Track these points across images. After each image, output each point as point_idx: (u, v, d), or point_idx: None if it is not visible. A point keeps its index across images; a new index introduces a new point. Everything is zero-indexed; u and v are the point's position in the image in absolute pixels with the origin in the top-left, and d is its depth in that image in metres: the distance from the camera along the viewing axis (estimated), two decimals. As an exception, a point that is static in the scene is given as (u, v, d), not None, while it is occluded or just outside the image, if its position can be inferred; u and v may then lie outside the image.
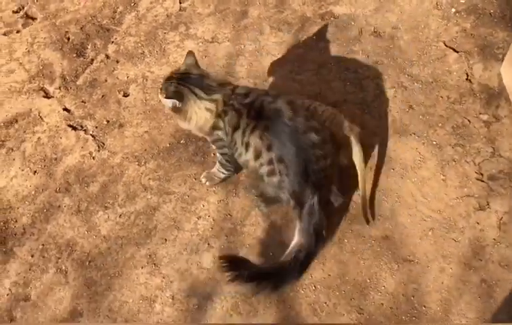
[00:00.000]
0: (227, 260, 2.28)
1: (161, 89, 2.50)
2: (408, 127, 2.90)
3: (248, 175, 2.75)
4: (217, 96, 2.47)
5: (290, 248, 2.36)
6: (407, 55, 3.23)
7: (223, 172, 2.73)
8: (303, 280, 2.45)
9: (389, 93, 3.05)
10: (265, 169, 2.40)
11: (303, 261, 2.31)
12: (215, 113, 2.47)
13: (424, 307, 2.36)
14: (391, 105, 3.00)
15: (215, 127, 2.50)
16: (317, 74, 3.19)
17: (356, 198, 2.68)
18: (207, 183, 2.80)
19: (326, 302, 2.39)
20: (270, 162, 2.36)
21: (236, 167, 2.69)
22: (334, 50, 3.30)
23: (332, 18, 3.51)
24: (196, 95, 2.45)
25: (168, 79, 2.51)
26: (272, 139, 2.34)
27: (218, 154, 2.67)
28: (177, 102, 2.42)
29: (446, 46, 3.24)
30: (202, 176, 2.81)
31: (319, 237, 2.35)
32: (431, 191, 2.68)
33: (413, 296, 2.38)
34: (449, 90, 3.03)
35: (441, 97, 3.01)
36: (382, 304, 2.38)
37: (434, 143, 2.83)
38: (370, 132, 2.88)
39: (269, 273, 2.32)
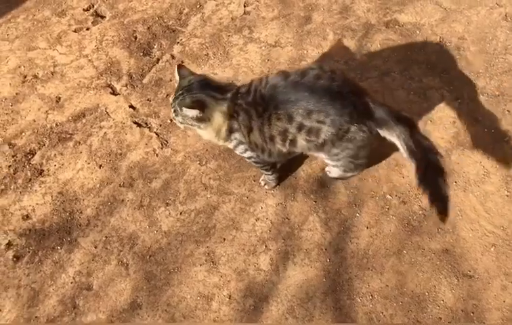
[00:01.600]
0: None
1: (174, 110, 2.45)
2: (472, 140, 2.85)
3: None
4: (229, 95, 2.44)
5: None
6: (473, 67, 3.17)
7: (267, 173, 2.75)
8: (359, 289, 2.44)
9: (454, 104, 3.00)
10: (302, 138, 2.36)
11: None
12: (227, 115, 2.43)
13: (484, 324, 2.31)
14: (455, 116, 2.95)
15: (230, 130, 2.47)
16: (380, 81, 3.17)
17: (416, 208, 2.65)
18: (266, 187, 2.83)
19: (382, 313, 2.38)
20: (300, 127, 2.33)
21: (273, 160, 2.64)
22: (398, 58, 3.28)
23: (396, 26, 3.48)
24: (213, 97, 2.41)
25: (177, 97, 2.44)
26: (286, 107, 2.31)
27: (250, 160, 2.66)
28: (198, 111, 2.36)
29: (515, 59, 3.17)
30: (261, 179, 2.85)
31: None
32: (494, 207, 2.62)
33: (473, 313, 2.34)
34: (516, 104, 2.96)
35: (508, 111, 2.94)
36: (440, 318, 2.34)
37: (499, 157, 2.76)
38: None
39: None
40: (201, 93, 2.40)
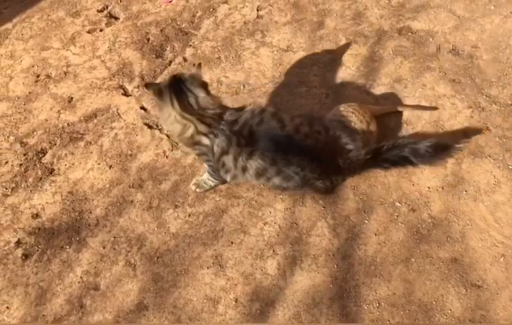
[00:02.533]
0: None
1: None
2: (483, 149, 2.83)
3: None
4: (192, 117, 2.55)
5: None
6: (486, 76, 3.15)
7: (212, 181, 2.82)
8: (366, 296, 2.43)
9: (466, 112, 2.98)
10: (276, 180, 2.61)
11: None
12: (195, 130, 2.56)
13: (492, 335, 2.29)
14: (466, 125, 2.93)
15: (196, 143, 2.60)
16: (392, 88, 3.16)
17: (425, 216, 2.63)
18: (197, 190, 2.87)
19: (389, 320, 2.36)
20: (279, 172, 2.57)
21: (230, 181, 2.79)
22: (411, 66, 3.27)
23: (409, 33, 3.47)
24: (171, 102, 2.55)
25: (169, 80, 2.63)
26: (275, 154, 2.52)
27: (206, 165, 2.77)
28: (156, 98, 2.62)
29: (528, 68, 3.15)
30: (192, 183, 2.89)
31: None
32: (504, 217, 2.60)
33: (480, 323, 2.32)
34: (529, 114, 2.94)
35: (520, 120, 2.93)
36: (447, 328, 2.33)
37: (510, 167, 2.74)
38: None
39: None
40: (169, 87, 2.59)
